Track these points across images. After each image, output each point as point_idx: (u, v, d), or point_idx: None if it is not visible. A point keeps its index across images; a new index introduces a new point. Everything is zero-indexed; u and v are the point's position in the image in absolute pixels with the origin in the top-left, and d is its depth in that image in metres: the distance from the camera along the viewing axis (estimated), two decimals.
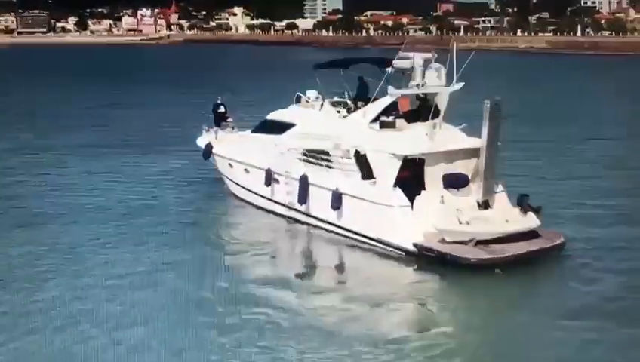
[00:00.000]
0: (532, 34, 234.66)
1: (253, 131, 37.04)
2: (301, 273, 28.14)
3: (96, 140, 56.06)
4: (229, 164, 37.67)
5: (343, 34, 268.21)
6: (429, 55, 30.15)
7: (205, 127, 40.48)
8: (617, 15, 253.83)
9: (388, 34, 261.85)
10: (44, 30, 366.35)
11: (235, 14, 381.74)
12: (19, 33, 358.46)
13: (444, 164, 29.20)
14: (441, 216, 27.56)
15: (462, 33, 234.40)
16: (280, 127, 34.52)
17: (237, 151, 37.01)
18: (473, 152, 29.14)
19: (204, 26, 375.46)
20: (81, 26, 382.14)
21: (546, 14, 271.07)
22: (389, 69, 30.45)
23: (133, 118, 69.71)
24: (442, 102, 30.12)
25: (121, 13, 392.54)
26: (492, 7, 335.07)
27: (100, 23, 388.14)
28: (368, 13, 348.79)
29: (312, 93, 35.38)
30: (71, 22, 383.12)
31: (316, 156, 31.87)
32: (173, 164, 46.13)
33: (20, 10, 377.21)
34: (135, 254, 28.62)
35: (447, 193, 28.57)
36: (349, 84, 33.58)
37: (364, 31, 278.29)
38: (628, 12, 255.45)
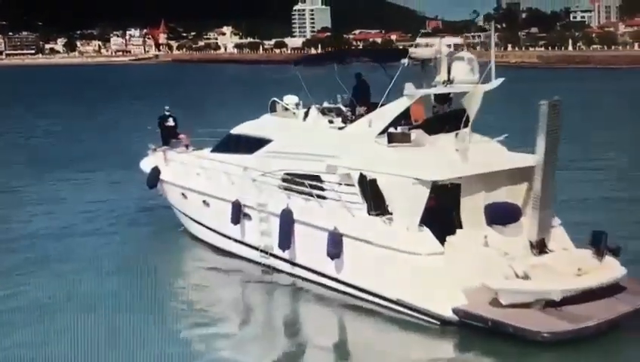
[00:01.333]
0: (523, 48, 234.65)
1: (214, 150, 28.76)
2: (284, 351, 20.07)
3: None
4: (182, 194, 29.40)
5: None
6: (458, 40, 21.96)
7: (152, 146, 32.18)
8: (607, 29, 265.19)
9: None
10: (33, 52, 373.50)
11: (223, 34, 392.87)
12: (7, 55, 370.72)
13: (485, 191, 21.23)
14: (489, 267, 19.50)
15: (452, 49, 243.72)
16: (250, 145, 26.45)
17: (192, 178, 28.80)
18: (524, 174, 21.33)
19: (193, 45, 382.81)
20: (70, 47, 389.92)
21: (535, 29, 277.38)
22: (404, 61, 22.09)
23: (78, 138, 64.42)
24: (473, 106, 22.02)
25: (111, 35, 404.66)
26: (480, 23, 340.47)
27: (88, 44, 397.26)
28: (357, 31, 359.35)
29: (290, 99, 27.28)
30: (60, 43, 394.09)
31: (303, 183, 23.67)
32: (112, 193, 38.95)
33: (9, 33, 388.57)
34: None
35: (491, 232, 20.57)
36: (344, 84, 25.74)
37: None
38: (617, 26, 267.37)
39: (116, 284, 24.44)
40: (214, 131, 30.78)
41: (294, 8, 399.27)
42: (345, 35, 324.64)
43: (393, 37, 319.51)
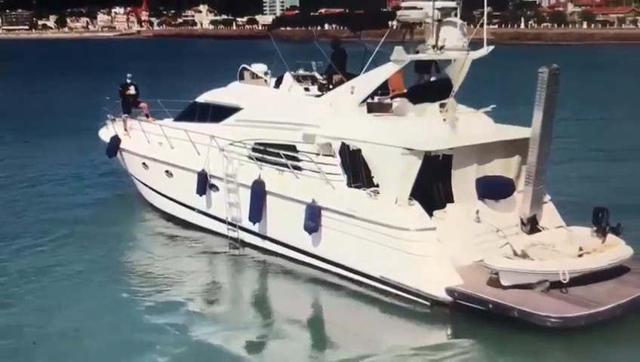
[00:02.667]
0: (477, 26, 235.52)
1: (177, 119, 27.03)
2: (252, 331, 18.10)
3: None
4: (143, 164, 27.57)
5: (299, 28, 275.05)
6: (450, 3, 20.43)
7: (110, 116, 30.37)
8: (557, 9, 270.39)
9: (341, 28, 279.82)
10: (27, 28, 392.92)
11: (200, 11, 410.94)
12: (3, 30, 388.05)
13: (477, 164, 19.76)
14: (484, 245, 18.22)
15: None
16: (218, 113, 24.74)
17: (155, 147, 27.00)
18: (518, 147, 19.96)
19: (172, 22, 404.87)
20: (61, 23, 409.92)
21: (489, 9, 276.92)
22: (392, 23, 20.44)
23: (35, 109, 61.95)
24: (459, 74, 20.60)
25: (98, 13, 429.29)
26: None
27: (77, 20, 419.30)
28: (322, 9, 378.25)
29: (258, 67, 25.66)
30: (52, 20, 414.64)
31: (276, 153, 21.98)
32: (68, 162, 37.43)
33: (6, 10, 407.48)
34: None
35: (483, 206, 19.11)
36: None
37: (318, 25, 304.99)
38: (567, 6, 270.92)
39: (71, 255, 23.00)
40: (176, 102, 29.01)
41: None
42: (312, 13, 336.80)
43: None
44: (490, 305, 16.63)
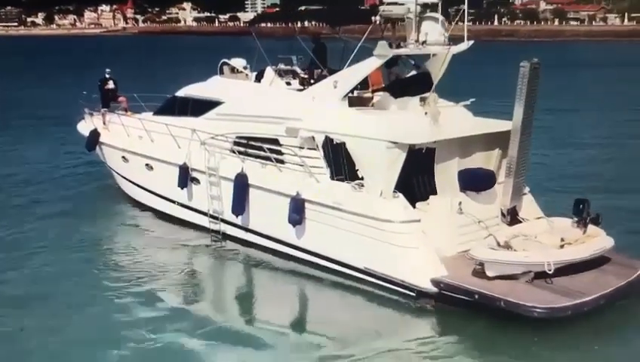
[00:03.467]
0: (452, 23, 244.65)
1: (157, 113, 27.09)
2: (237, 326, 18.16)
3: None
4: (123, 158, 27.61)
5: (280, 25, 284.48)
6: None
7: (87, 110, 30.39)
8: (530, 7, 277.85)
9: (320, 25, 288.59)
10: (16, 24, 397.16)
11: (184, 9, 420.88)
12: None
13: (459, 157, 20.05)
14: (468, 236, 18.64)
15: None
16: (198, 107, 24.82)
17: (135, 141, 27.05)
18: (499, 139, 20.24)
19: (157, 19, 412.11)
20: (49, 20, 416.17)
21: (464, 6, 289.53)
22: (376, 18, 20.65)
23: (16, 104, 61.25)
24: (439, 68, 20.92)
25: (85, 10, 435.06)
26: None
27: (65, 18, 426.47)
28: (302, 7, 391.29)
29: (237, 62, 25.80)
30: (40, 17, 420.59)
31: (258, 147, 22.16)
32: (46, 157, 37.56)
33: None
34: None
35: (465, 198, 19.41)
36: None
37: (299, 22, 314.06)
38: (539, 3, 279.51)
39: (48, 249, 23.01)
40: (154, 96, 29.05)
41: None
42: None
43: None
44: (476, 296, 16.82)
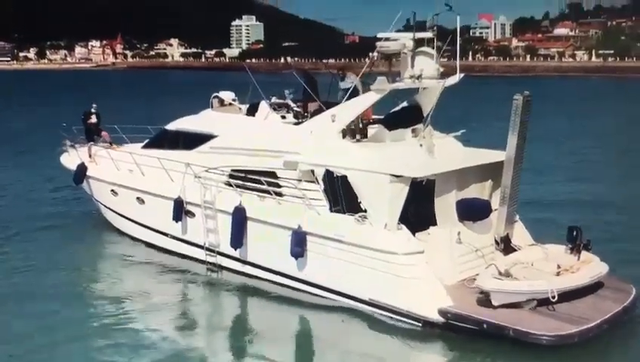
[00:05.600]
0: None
1: (146, 146, 27.29)
2: (240, 356, 18.90)
3: None
4: (112, 191, 27.79)
5: (264, 61, 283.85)
6: (429, 34, 21.43)
7: (68, 142, 30.44)
8: (503, 43, 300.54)
9: (303, 60, 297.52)
10: (8, 59, 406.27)
11: (171, 45, 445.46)
12: None
13: (457, 187, 20.73)
14: (469, 265, 19.46)
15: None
16: (191, 140, 25.17)
17: (125, 174, 27.27)
18: (492, 170, 20.98)
19: (145, 54, 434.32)
20: (40, 55, 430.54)
21: (439, 43, 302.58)
22: (374, 54, 21.32)
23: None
24: (433, 101, 21.64)
25: (75, 46, 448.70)
26: None
27: (56, 52, 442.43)
28: (285, 43, 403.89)
29: (226, 95, 26.28)
30: (32, 52, 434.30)
31: (254, 180, 22.55)
32: (29, 188, 38.08)
33: None
34: None
35: (463, 228, 20.11)
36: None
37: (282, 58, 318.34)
38: (511, 41, 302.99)
39: (49, 283, 23.19)
40: (135, 127, 29.55)
41: (232, 24, 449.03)
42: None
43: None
44: (485, 325, 17.40)
